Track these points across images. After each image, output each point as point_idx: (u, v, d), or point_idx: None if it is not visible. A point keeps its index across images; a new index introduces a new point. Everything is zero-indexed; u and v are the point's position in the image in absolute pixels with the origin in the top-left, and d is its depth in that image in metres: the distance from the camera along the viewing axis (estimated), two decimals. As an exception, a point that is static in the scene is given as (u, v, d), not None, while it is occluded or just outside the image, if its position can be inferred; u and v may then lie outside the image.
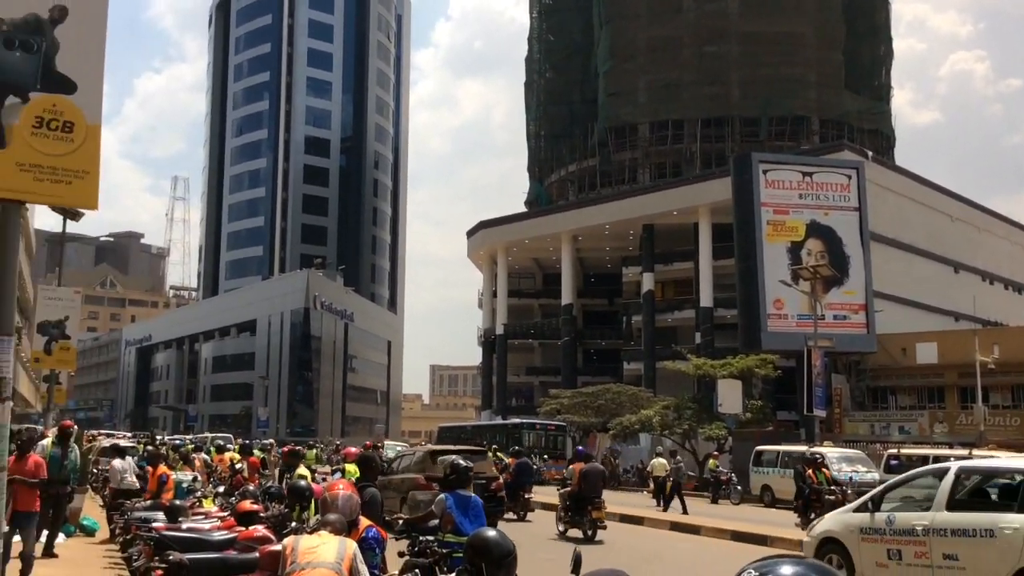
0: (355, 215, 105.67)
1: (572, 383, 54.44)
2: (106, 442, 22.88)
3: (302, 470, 12.39)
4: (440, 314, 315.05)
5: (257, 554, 6.73)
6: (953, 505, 9.36)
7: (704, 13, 62.30)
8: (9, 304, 7.34)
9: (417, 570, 5.61)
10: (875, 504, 10.32)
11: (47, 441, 12.56)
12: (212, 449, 22.69)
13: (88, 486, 14.01)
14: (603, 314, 64.73)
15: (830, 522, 11.19)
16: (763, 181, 41.65)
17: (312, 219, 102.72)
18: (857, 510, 10.71)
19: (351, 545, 5.15)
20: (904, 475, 11.39)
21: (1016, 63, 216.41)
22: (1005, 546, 8.61)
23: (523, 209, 71.91)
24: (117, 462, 14.39)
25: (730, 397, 35.51)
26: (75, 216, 27.16)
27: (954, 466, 9.95)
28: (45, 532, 12.02)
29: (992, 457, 16.09)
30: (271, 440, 22.68)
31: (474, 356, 74.03)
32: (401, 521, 8.11)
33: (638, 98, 63.25)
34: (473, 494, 7.93)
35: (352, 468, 11.13)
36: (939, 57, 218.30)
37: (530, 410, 54.43)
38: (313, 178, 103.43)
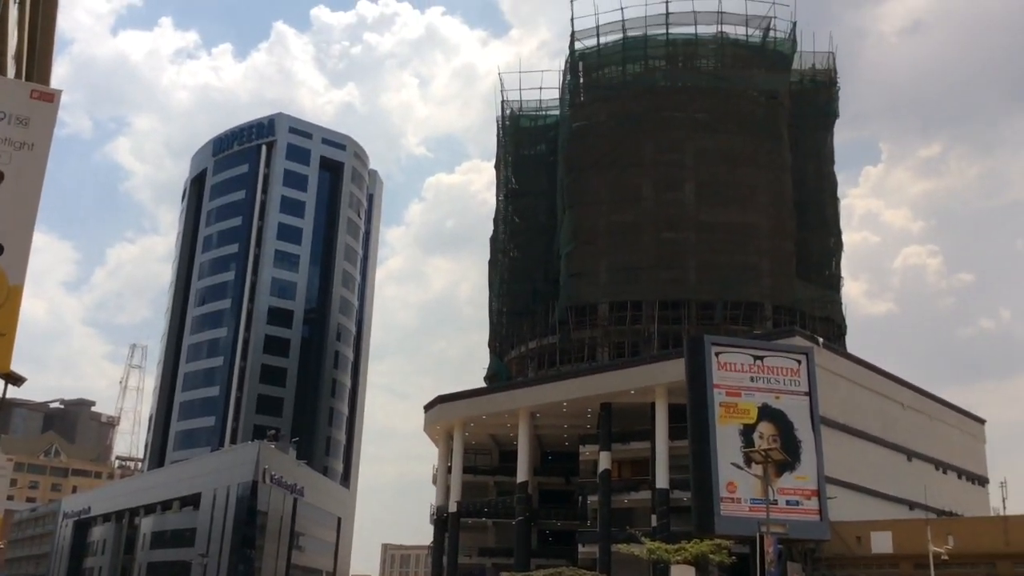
0: (314, 387, 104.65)
1: (525, 565, 52.69)
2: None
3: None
4: (398, 489, 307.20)
5: None
6: None
7: (662, 202, 65.10)
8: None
9: None
10: None
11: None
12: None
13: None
14: (559, 493, 63.53)
15: None
16: (716, 363, 42.28)
17: (269, 389, 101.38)
18: None
19: None
20: None
21: (967, 258, 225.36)
22: None
23: (485, 384, 71.81)
24: None
25: (684, 584, 34.50)
26: (17, 382, 26.75)
27: None
28: None
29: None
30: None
31: (428, 534, 71.65)
32: None
33: (599, 279, 64.90)
34: None
35: None
36: (893, 250, 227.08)
37: (480, 595, 52.35)
38: (274, 349, 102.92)
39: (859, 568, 40.96)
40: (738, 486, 39.58)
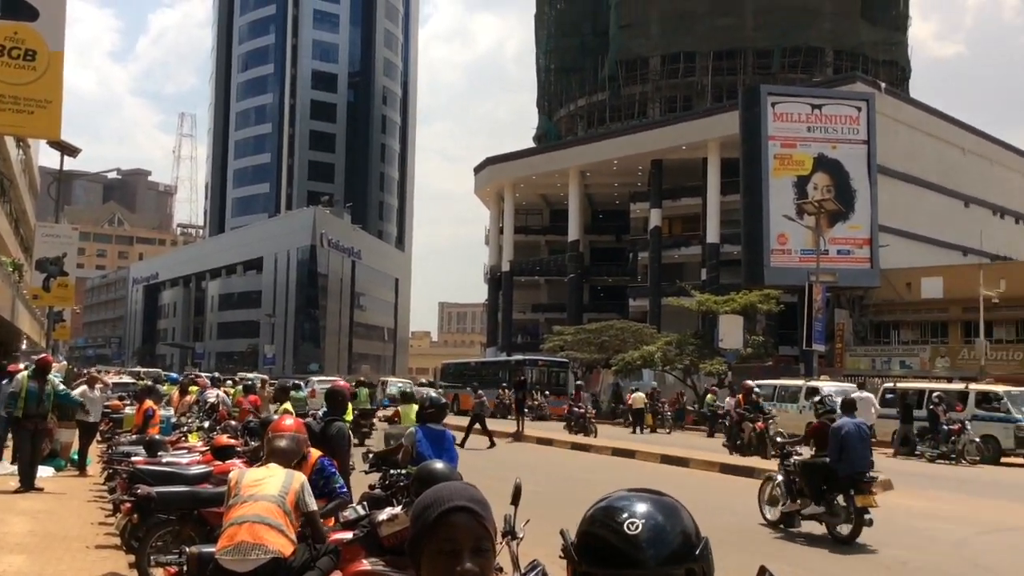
0: (363, 152, 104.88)
1: (578, 320, 54.50)
2: (112, 379, 23.12)
3: (287, 406, 12.45)
4: (451, 251, 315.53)
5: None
6: None
7: (719, -58, 60.82)
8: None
9: (366, 502, 5.54)
10: None
11: (23, 375, 12.38)
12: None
13: (76, 421, 13.92)
14: (610, 251, 64.49)
15: None
16: (771, 114, 41.04)
17: (319, 156, 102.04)
18: None
19: (298, 478, 5.12)
20: None
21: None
22: None
23: (534, 145, 71.23)
24: (77, 392, 14.12)
25: (731, 332, 35.50)
26: (72, 152, 27.12)
27: None
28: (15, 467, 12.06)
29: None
30: (263, 376, 22.77)
31: (483, 293, 74.06)
32: (372, 455, 8.09)
33: (650, 30, 62.11)
34: (447, 429, 7.93)
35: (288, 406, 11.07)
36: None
37: (535, 347, 54.57)
38: (320, 114, 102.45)
39: (907, 313, 41.48)
40: (789, 237, 39.62)
